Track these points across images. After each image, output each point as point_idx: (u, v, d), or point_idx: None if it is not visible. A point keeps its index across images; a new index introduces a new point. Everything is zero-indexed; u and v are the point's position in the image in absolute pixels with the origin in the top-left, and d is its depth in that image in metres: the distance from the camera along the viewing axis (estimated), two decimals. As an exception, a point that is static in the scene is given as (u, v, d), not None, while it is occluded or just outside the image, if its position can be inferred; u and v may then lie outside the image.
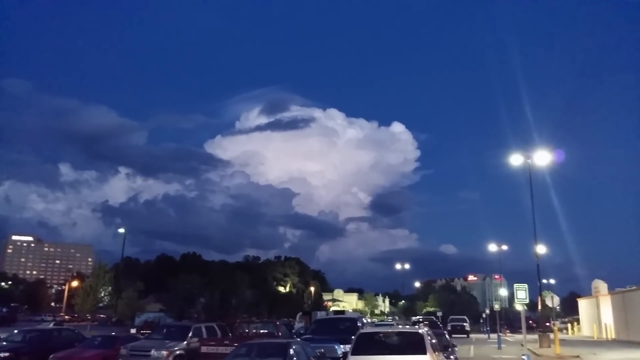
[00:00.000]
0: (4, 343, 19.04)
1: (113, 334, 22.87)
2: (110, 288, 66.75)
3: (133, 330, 38.77)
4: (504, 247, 55.57)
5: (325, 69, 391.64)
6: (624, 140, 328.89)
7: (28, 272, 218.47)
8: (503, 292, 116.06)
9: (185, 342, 17.66)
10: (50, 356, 16.36)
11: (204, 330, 19.23)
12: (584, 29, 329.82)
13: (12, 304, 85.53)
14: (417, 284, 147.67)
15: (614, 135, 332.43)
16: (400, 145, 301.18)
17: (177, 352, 17.00)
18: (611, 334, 42.09)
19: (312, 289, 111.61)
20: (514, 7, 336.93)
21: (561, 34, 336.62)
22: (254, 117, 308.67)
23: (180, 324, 23.96)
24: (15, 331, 21.60)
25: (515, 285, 26.54)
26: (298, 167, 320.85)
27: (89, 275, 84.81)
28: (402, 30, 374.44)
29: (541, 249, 37.13)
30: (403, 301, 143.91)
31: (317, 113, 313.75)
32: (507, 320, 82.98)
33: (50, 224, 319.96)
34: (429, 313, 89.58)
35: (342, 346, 16.11)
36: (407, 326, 15.58)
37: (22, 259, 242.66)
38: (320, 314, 53.29)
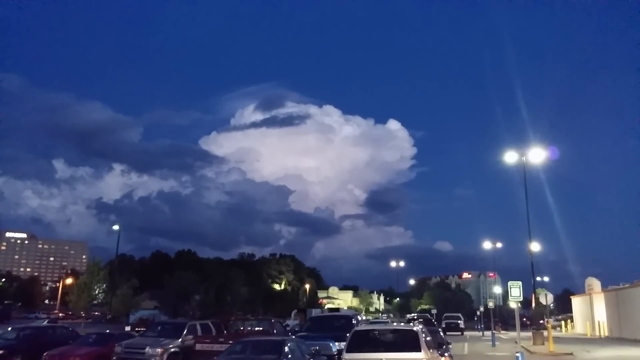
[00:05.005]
0: (-2, 340, 18.93)
1: (107, 331, 22.80)
2: (104, 285, 66.67)
3: (128, 328, 38.75)
4: (499, 245, 55.81)
5: (321, 65, 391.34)
6: (618, 138, 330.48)
7: (22, 269, 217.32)
8: (497, 289, 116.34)
9: (180, 340, 17.59)
10: (44, 354, 16.26)
11: (198, 327, 19.16)
12: (578, 27, 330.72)
13: (5, 302, 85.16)
14: (412, 282, 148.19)
15: (609, 133, 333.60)
16: (396, 142, 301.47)
17: (172, 349, 16.95)
18: (604, 331, 42.35)
19: (307, 286, 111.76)
20: (508, 6, 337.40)
21: (556, 32, 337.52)
22: (249, 113, 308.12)
23: (175, 322, 23.89)
24: (9, 329, 21.45)
25: (510, 283, 26.63)
26: (294, 164, 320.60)
27: (83, 272, 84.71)
28: (398, 28, 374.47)
29: (535, 246, 37.32)
30: (398, 298, 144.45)
31: (312, 110, 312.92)
32: (501, 318, 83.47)
33: (44, 220, 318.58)
34: (423, 310, 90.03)
35: (337, 343, 16.12)
36: (402, 324, 15.61)
37: (16, 256, 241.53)
38: (315, 312, 53.34)
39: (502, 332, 58.06)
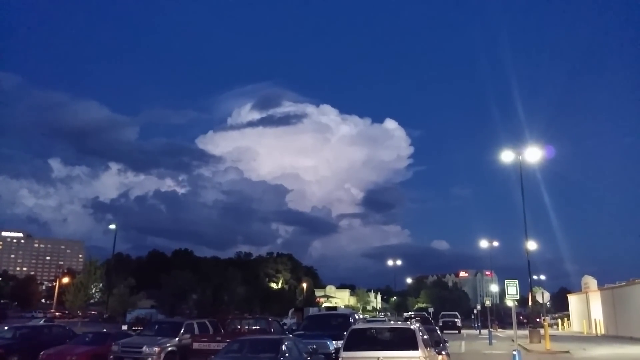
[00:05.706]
0: (-6, 340, 18.87)
1: (104, 330, 22.75)
2: (101, 284, 66.50)
3: (124, 327, 38.62)
4: (495, 244, 55.95)
5: (318, 64, 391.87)
6: (614, 137, 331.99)
7: (18, 268, 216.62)
8: (494, 288, 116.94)
9: (177, 339, 17.55)
10: (41, 353, 16.23)
11: (195, 326, 19.13)
12: (574, 27, 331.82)
13: (2, 301, 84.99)
14: (409, 280, 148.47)
15: (605, 132, 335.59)
16: (393, 141, 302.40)
17: (169, 348, 16.90)
18: (601, 329, 42.50)
19: (305, 285, 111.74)
20: (505, 6, 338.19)
21: (552, 32, 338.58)
22: (246, 112, 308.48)
23: (172, 320, 23.86)
24: (6, 328, 21.43)
25: (506, 281, 26.67)
26: (291, 163, 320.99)
27: (79, 271, 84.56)
28: (395, 27, 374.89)
29: (532, 245, 37.48)
30: (395, 297, 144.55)
31: (309, 109, 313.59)
32: (498, 316, 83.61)
33: (40, 219, 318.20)
34: (420, 309, 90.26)
35: (334, 342, 16.11)
36: (399, 322, 15.62)
37: (12, 255, 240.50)
38: (313, 310, 53.32)
39: (499, 330, 58.25)
